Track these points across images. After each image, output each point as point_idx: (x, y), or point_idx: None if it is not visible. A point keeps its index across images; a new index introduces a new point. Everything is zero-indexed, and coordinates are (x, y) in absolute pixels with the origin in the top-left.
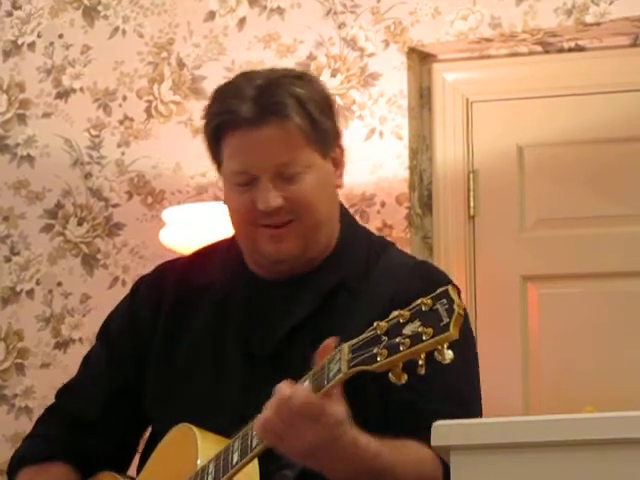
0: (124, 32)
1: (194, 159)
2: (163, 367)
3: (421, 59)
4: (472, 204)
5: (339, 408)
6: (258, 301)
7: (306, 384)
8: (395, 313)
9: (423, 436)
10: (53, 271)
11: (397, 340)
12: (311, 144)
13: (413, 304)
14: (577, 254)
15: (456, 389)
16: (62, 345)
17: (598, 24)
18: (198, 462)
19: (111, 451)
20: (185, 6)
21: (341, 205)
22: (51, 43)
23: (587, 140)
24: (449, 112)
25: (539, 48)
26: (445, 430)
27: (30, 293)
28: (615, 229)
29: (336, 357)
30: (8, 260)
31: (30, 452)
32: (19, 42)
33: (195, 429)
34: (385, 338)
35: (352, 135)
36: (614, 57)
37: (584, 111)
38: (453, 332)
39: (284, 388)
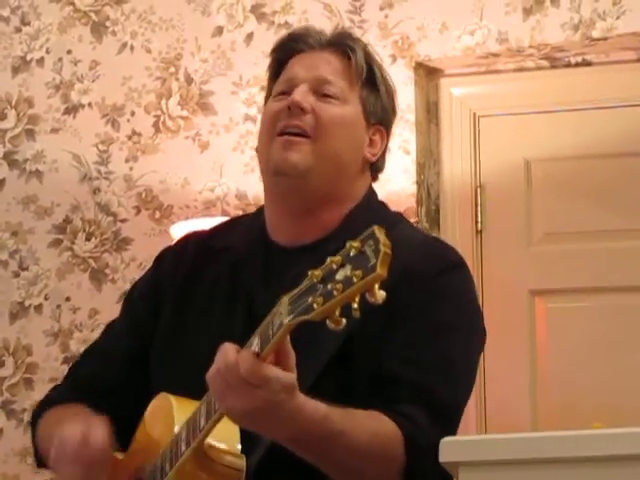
0: (132, 48)
1: (202, 174)
2: (174, 322)
3: (428, 74)
4: (479, 218)
5: (285, 373)
6: (271, 268)
7: (253, 347)
8: (328, 260)
9: (400, 404)
10: (61, 286)
11: (330, 287)
12: (359, 90)
13: (344, 249)
14: (585, 268)
15: (447, 362)
16: (71, 360)
17: (605, 39)
18: (175, 430)
19: (126, 415)
20: (193, 22)
21: (373, 192)
22: (60, 59)
23: (595, 154)
24: (456, 127)
25: (546, 63)
26: (453, 446)
27: (38, 308)
28: (623, 243)
29: (278, 310)
30: (17, 275)
31: (51, 400)
32: (28, 58)
33: (172, 398)
34: (320, 286)
35: None
36: (621, 72)
37: (591, 125)
38: (380, 272)
39: (230, 354)
